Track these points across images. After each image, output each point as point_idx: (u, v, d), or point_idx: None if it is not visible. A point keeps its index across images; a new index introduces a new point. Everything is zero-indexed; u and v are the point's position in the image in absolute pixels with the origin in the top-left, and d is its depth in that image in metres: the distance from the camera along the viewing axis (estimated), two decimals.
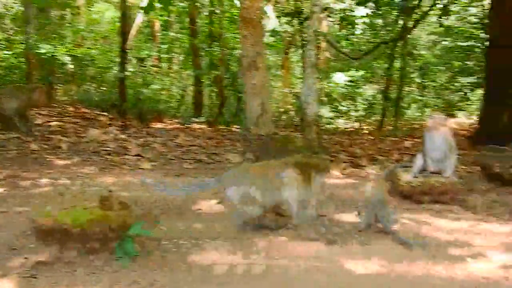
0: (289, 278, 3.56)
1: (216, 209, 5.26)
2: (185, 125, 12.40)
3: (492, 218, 5.36)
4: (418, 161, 5.85)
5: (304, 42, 17.79)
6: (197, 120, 14.06)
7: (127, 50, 13.70)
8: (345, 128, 16.64)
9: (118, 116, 12.49)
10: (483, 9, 17.49)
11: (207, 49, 15.41)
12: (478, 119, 12.89)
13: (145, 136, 9.53)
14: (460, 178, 7.81)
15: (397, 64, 20.66)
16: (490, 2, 13.10)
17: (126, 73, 13.91)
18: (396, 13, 15.90)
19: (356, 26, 22.35)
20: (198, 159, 7.75)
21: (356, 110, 19.22)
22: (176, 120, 14.18)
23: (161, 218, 4.74)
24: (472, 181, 7.52)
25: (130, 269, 3.56)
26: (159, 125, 12.31)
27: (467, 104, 20.42)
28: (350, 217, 5.03)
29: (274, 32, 16.58)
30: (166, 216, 4.88)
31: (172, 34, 21.26)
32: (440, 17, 14.50)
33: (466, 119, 19.66)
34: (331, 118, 16.80)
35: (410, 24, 18.16)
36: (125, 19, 13.89)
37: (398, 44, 16.40)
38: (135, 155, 7.62)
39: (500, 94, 10.83)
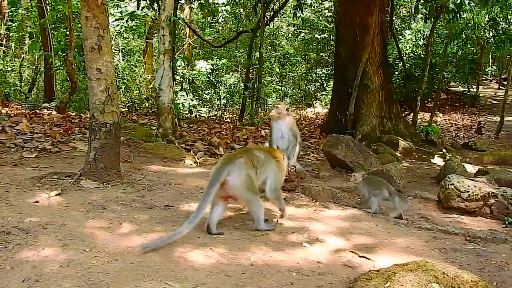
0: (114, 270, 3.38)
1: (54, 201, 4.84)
2: (33, 110, 11.47)
3: (332, 204, 5.65)
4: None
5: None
6: (47, 105, 13.11)
7: None
8: (208, 117, 16.64)
9: None
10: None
11: (59, 29, 14.34)
12: (329, 109, 13.63)
13: None
14: (309, 165, 8.28)
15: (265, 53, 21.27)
16: None
17: None
18: (253, 3, 16.10)
19: (219, 14, 22.58)
20: (41, 148, 7.19)
21: (219, 99, 19.30)
22: (26, 105, 13.13)
23: None
24: (319, 168, 7.93)
25: None
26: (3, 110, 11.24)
27: (324, 94, 21.48)
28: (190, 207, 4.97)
29: (133, 16, 16.00)
30: None
31: (22, 11, 19.62)
32: (296, 9, 15.01)
33: (323, 108, 20.68)
34: (193, 107, 16.68)
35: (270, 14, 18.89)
36: None
37: (259, 33, 16.70)
38: None
39: (347, 85, 11.55)
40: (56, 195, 4.91)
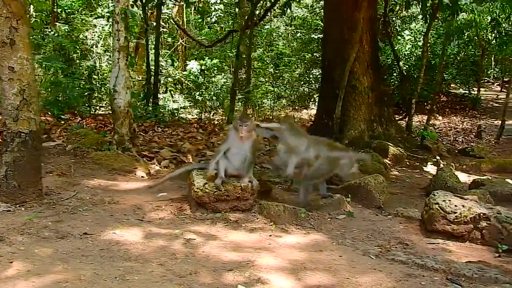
0: None
1: None
2: None
3: (294, 227, 4.77)
4: (223, 163, 5.04)
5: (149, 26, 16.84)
6: None
7: None
8: (198, 119, 15.81)
9: None
10: None
11: None
12: (316, 112, 12.75)
13: None
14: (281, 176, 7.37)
15: (255, 53, 20.50)
16: None
17: None
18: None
19: (211, 13, 21.84)
20: None
21: (208, 100, 18.48)
22: None
23: None
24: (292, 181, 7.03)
25: None
26: None
27: (319, 96, 20.52)
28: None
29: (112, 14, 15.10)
30: None
31: None
32: (284, 7, 14.14)
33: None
34: (176, 109, 15.85)
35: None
36: None
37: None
38: None
39: (334, 86, 10.67)
40: None
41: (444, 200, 4.86)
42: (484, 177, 8.12)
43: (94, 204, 4.82)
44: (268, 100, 21.20)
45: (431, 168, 9.56)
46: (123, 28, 7.05)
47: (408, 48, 19.09)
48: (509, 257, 4.31)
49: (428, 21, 12.40)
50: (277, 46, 23.33)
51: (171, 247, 3.96)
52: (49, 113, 10.42)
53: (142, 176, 6.34)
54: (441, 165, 9.49)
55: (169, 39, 23.52)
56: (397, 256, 4.11)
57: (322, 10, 20.37)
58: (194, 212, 4.87)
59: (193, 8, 21.90)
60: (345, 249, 4.27)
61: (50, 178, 5.38)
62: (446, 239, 4.77)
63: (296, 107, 21.74)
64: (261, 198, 5.28)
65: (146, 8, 16.49)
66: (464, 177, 8.40)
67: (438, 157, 10.24)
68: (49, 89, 12.12)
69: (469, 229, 4.71)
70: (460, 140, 14.48)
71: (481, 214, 4.67)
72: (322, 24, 20.11)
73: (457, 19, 14.58)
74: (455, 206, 4.77)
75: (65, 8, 17.14)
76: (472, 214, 4.69)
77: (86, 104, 15.09)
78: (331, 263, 3.88)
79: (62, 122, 9.55)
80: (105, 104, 16.95)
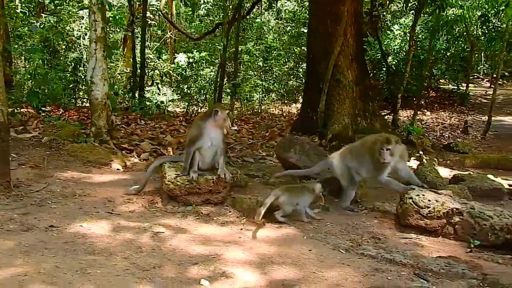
0: None
1: None
2: None
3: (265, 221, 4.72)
4: (196, 157, 4.96)
5: (136, 18, 16.72)
6: None
7: None
8: (186, 112, 15.71)
9: None
10: None
11: None
12: (300, 106, 12.69)
13: None
14: (263, 169, 7.35)
15: (244, 46, 20.43)
16: None
17: None
18: None
19: (199, 5, 21.73)
20: None
21: (196, 93, 18.36)
22: None
23: None
24: (271, 173, 6.99)
25: None
26: None
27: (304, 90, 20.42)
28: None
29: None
30: None
31: None
32: (272, 0, 14.06)
33: None
34: (162, 102, 15.75)
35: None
36: None
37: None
38: None
39: (318, 80, 10.61)
40: None
41: (418, 195, 4.83)
42: (466, 173, 8.10)
43: (64, 196, 4.76)
44: (257, 94, 21.15)
45: (414, 163, 9.53)
46: (100, 19, 6.94)
47: (398, 43, 19.07)
48: (480, 253, 4.29)
49: (415, 15, 12.36)
50: (266, 39, 23.26)
51: (138, 240, 3.90)
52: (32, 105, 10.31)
53: (118, 169, 6.27)
54: (424, 160, 9.46)
55: (159, 32, 23.39)
56: (367, 251, 4.08)
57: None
58: (165, 205, 4.82)
59: (182, 0, 21.68)
60: (316, 244, 4.23)
61: (22, 170, 5.31)
62: (419, 233, 4.75)
63: (285, 101, 21.70)
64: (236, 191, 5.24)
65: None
66: (446, 172, 8.39)
67: (421, 152, 10.22)
68: (30, 81, 11.98)
69: (442, 224, 4.69)
70: (447, 135, 14.47)
71: (454, 209, 4.65)
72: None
73: (447, 14, 14.57)
74: (429, 200, 4.75)
75: None
76: (445, 209, 4.66)
77: (72, 96, 14.98)
78: (299, 257, 3.84)
79: (43, 114, 9.42)
80: None
